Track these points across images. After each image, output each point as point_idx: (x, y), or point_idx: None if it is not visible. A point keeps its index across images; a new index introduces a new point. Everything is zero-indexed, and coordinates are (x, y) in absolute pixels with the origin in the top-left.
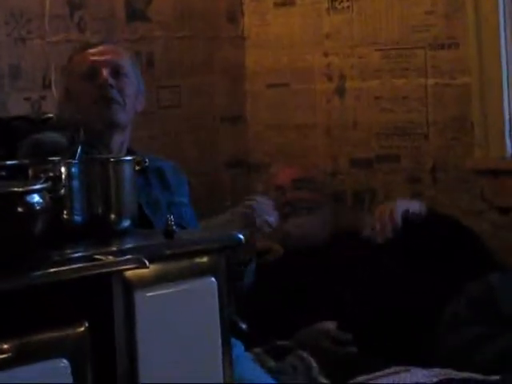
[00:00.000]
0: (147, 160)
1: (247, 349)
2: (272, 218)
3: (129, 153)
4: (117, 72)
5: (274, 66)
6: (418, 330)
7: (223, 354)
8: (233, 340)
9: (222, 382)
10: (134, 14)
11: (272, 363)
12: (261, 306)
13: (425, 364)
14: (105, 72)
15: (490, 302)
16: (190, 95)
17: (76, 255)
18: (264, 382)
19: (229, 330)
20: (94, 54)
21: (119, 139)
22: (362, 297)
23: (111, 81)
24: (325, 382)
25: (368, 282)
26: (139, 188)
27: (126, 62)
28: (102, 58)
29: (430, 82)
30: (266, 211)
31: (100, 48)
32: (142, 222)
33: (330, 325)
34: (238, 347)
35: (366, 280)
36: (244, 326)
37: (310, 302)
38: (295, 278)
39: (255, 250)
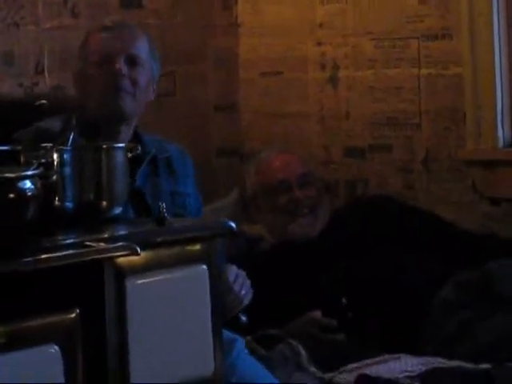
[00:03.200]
0: (139, 147)
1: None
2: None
3: (136, 137)
4: (132, 60)
5: (268, 55)
6: (411, 317)
7: (214, 341)
8: (234, 335)
9: (212, 369)
10: (128, 1)
11: (262, 352)
12: (253, 295)
13: (418, 351)
14: (119, 60)
15: (480, 285)
16: (183, 83)
17: (67, 242)
18: (265, 379)
19: (220, 318)
20: (109, 39)
21: (126, 128)
22: (353, 284)
23: (125, 70)
24: (314, 370)
25: (359, 270)
26: (145, 177)
27: (143, 50)
28: (118, 44)
29: (423, 72)
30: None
31: (117, 33)
32: (145, 211)
33: (316, 313)
34: (239, 343)
35: (357, 268)
36: (244, 318)
37: (302, 292)
38: (287, 267)
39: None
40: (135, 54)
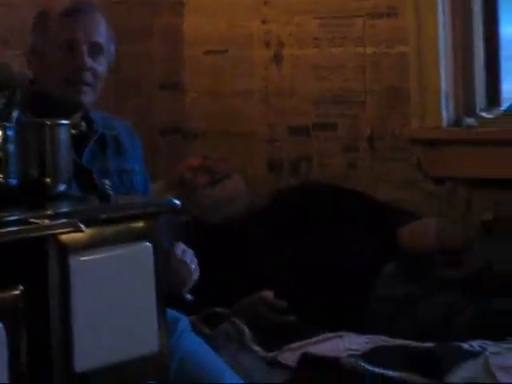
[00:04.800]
0: (83, 124)
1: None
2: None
3: (84, 114)
4: (94, 49)
5: (213, 33)
6: (355, 295)
7: (158, 319)
8: (178, 314)
9: (157, 347)
10: None
11: (206, 330)
12: (202, 275)
13: (362, 329)
14: (84, 52)
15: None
16: (128, 61)
17: (11, 218)
18: (209, 357)
19: (164, 296)
20: (73, 26)
21: (79, 114)
22: (298, 263)
23: (89, 62)
24: (257, 349)
25: (304, 248)
26: (92, 156)
27: (103, 35)
28: (81, 32)
29: (368, 50)
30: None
31: (80, 19)
32: (91, 189)
33: (267, 293)
34: (183, 321)
35: (301, 245)
36: (190, 297)
37: (250, 272)
38: (235, 246)
39: None
40: (98, 42)
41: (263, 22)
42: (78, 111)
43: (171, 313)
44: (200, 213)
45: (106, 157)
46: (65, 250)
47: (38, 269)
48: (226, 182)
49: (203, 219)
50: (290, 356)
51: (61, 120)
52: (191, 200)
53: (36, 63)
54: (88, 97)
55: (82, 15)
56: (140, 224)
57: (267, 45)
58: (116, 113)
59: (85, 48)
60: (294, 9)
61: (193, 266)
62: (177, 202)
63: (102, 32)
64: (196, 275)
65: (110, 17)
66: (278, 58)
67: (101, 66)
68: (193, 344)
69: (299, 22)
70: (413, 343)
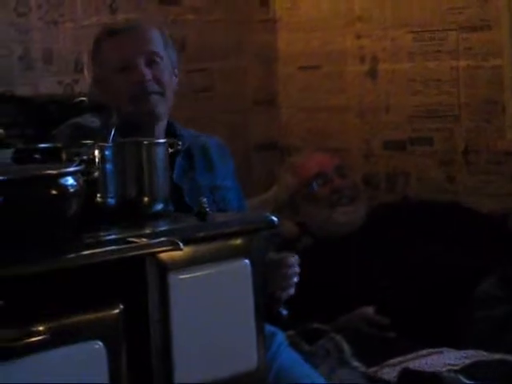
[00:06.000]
0: (180, 143)
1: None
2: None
3: (170, 129)
4: (151, 60)
5: (306, 49)
6: (454, 311)
7: (257, 336)
8: (274, 329)
9: (255, 364)
10: None
11: (305, 346)
12: (302, 291)
13: (460, 345)
14: (140, 64)
15: None
16: (222, 78)
17: (110, 238)
18: (305, 371)
19: (263, 313)
20: (125, 44)
21: (160, 127)
22: (398, 280)
23: (148, 73)
24: (356, 364)
25: (403, 265)
26: (182, 172)
27: (158, 44)
28: (135, 47)
29: (462, 64)
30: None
31: (130, 34)
32: (183, 207)
33: (369, 310)
34: (280, 336)
35: (401, 263)
36: (285, 312)
37: (351, 288)
38: (335, 263)
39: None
40: (153, 51)
41: (357, 37)
42: (154, 122)
43: (267, 327)
44: (312, 225)
45: (195, 173)
46: (164, 269)
47: (138, 287)
48: (349, 209)
49: (312, 230)
50: (389, 371)
51: (154, 139)
52: (307, 209)
53: (102, 91)
54: (158, 105)
55: (128, 31)
56: (238, 241)
57: (362, 60)
58: (210, 129)
59: (140, 60)
60: (388, 23)
61: (295, 280)
62: (274, 218)
63: (155, 41)
64: (291, 290)
65: (204, 34)
66: (372, 73)
67: (162, 72)
68: (289, 358)
69: (393, 37)
70: (510, 357)
